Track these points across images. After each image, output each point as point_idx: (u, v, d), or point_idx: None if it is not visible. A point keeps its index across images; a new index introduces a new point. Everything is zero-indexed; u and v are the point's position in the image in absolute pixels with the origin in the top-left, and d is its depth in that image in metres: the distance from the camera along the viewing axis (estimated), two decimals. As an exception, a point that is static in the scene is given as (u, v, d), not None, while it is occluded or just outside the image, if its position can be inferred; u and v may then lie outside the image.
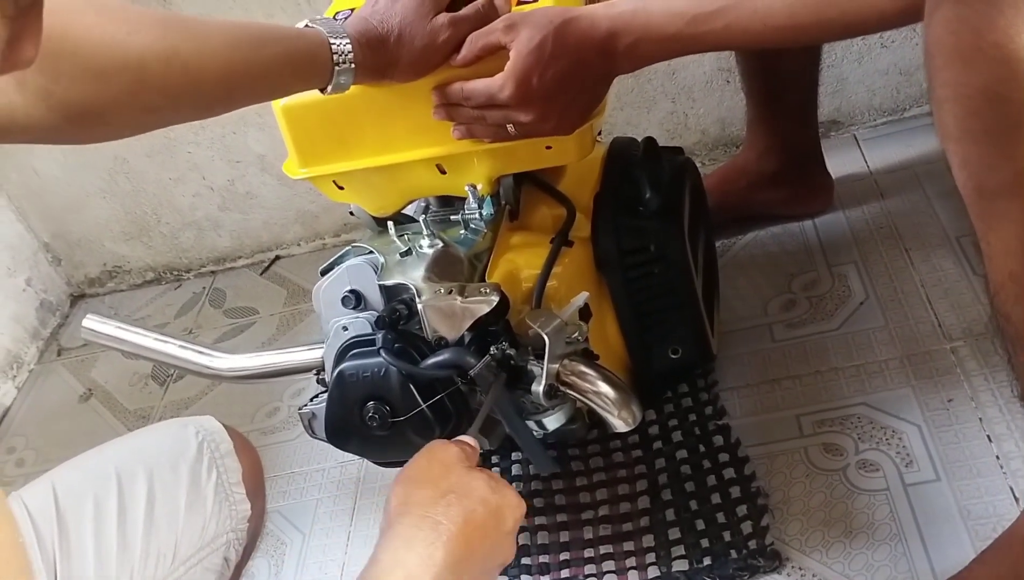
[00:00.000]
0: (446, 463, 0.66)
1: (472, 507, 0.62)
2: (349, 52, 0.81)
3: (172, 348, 0.97)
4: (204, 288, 1.71)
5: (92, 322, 0.98)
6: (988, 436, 1.00)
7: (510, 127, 0.87)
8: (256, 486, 0.85)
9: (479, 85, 0.85)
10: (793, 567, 0.95)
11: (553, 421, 0.88)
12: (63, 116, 0.69)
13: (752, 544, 0.96)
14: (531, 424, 0.88)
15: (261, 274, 1.69)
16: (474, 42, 0.85)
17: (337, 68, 0.82)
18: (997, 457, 0.97)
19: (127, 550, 0.75)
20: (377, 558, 0.60)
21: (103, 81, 0.70)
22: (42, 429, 1.52)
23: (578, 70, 0.84)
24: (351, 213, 1.02)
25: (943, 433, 1.01)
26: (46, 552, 0.73)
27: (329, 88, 0.83)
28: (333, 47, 0.81)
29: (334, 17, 0.96)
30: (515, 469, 1.12)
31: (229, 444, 0.83)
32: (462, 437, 0.72)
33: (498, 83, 0.84)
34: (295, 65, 0.81)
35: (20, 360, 1.64)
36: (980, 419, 1.01)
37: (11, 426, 1.55)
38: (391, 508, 0.63)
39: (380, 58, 0.84)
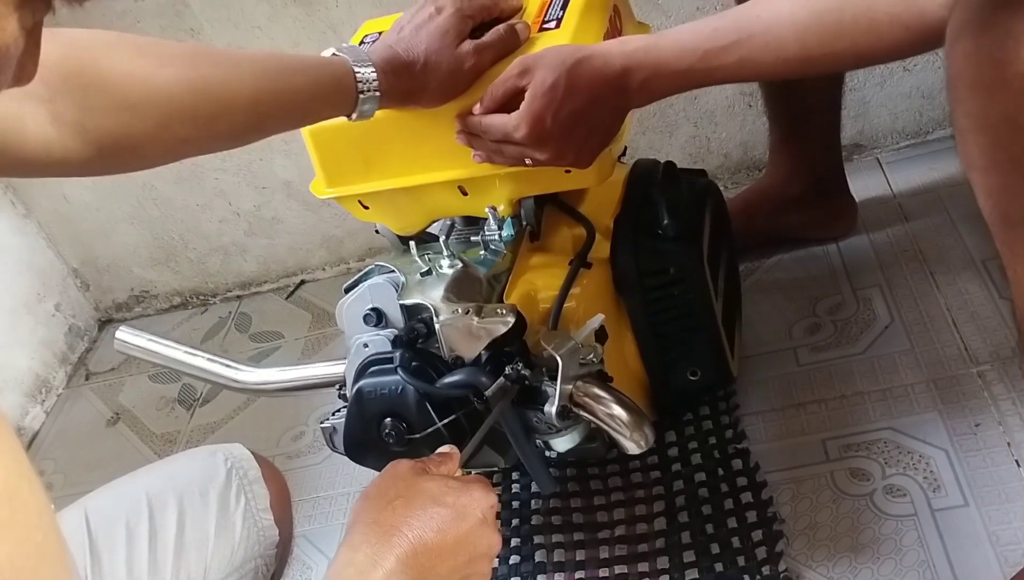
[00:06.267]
0: (396, 476, 0.67)
1: (421, 507, 0.64)
2: (374, 80, 0.83)
3: (200, 361, 1.00)
4: (230, 313, 1.72)
5: (125, 334, 1.01)
6: (1016, 461, 0.98)
7: (527, 161, 0.88)
8: (284, 512, 0.86)
9: (496, 121, 0.86)
10: (819, 593, 0.94)
11: (563, 443, 0.88)
12: (97, 149, 0.71)
13: (766, 570, 0.96)
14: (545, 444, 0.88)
15: (286, 298, 1.70)
16: (493, 91, 0.86)
17: (362, 96, 0.83)
18: (1026, 482, 0.96)
19: (158, 575, 0.76)
20: (329, 566, 0.62)
21: (135, 114, 0.72)
22: (70, 453, 1.53)
23: (592, 107, 0.85)
24: (376, 231, 1.04)
25: (971, 458, 1.00)
26: (78, 576, 0.74)
27: (354, 115, 0.85)
28: (358, 75, 0.82)
29: (361, 42, 0.98)
30: (534, 486, 1.12)
31: (257, 471, 0.84)
32: (441, 448, 0.73)
33: (513, 122, 0.84)
34: (321, 93, 0.82)
35: (49, 384, 1.66)
36: (1008, 443, 1.00)
37: (40, 450, 1.56)
38: (347, 526, 0.65)
39: (405, 85, 0.86)
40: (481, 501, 0.67)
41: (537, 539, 1.06)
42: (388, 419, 0.84)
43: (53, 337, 1.70)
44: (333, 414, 0.94)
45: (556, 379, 0.82)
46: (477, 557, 0.65)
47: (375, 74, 0.83)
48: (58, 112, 0.69)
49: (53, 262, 1.73)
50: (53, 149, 0.69)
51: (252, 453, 0.86)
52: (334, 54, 0.84)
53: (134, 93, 0.71)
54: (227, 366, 0.99)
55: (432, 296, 0.87)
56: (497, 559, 0.71)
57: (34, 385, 1.63)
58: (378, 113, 0.86)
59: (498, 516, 0.72)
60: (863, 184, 1.38)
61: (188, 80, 0.74)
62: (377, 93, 0.83)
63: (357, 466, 0.92)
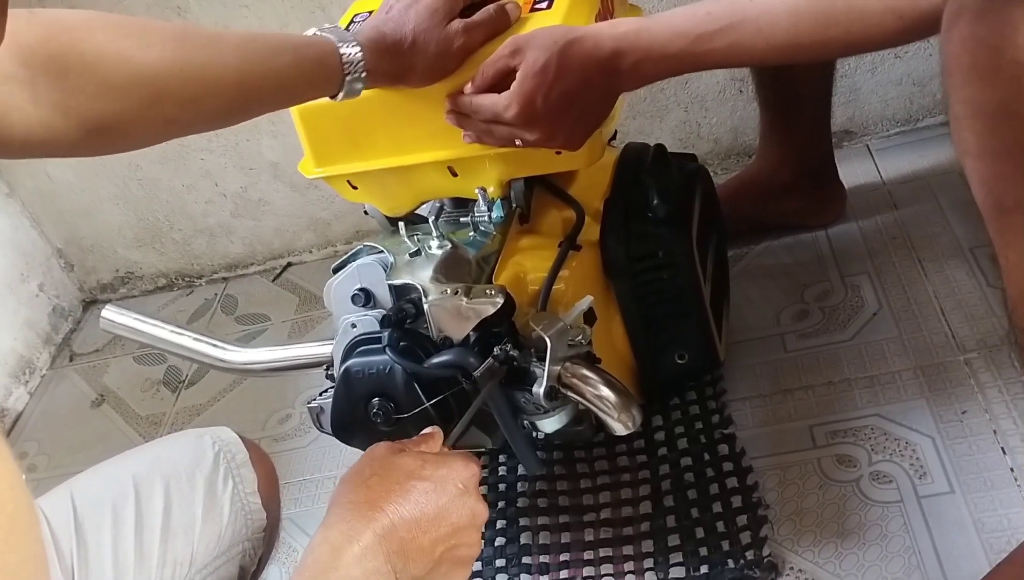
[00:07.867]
0: (372, 457, 0.67)
1: (397, 482, 0.64)
2: (360, 60, 0.82)
3: (187, 340, 0.99)
4: (216, 294, 1.71)
5: (111, 313, 1.00)
6: (1002, 448, 0.98)
7: (517, 141, 0.87)
8: (271, 496, 0.86)
9: (486, 101, 0.85)
10: (806, 579, 0.94)
11: (550, 424, 0.88)
12: (83, 130, 0.70)
13: (750, 555, 0.96)
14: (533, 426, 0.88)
15: (273, 281, 1.69)
16: (484, 71, 0.86)
17: (349, 76, 0.82)
18: (1011, 469, 0.96)
19: (144, 559, 0.75)
20: (308, 544, 0.62)
21: (120, 95, 0.71)
22: (54, 435, 1.52)
23: (582, 90, 0.85)
24: (365, 212, 1.04)
25: (957, 445, 1.00)
26: (64, 560, 0.73)
27: (340, 95, 0.84)
28: (343, 56, 0.82)
29: (352, 20, 0.97)
30: (520, 468, 1.12)
31: (245, 454, 0.84)
32: (424, 430, 0.73)
33: (503, 102, 0.84)
34: (306, 74, 0.82)
35: (32, 365, 1.65)
36: (994, 431, 1.00)
37: (23, 431, 1.55)
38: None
39: (394, 64, 0.85)
40: (461, 471, 0.66)
41: (523, 521, 1.06)
42: (376, 399, 0.84)
43: (37, 317, 1.69)
44: (321, 394, 0.94)
45: (544, 360, 0.81)
46: (462, 527, 0.65)
47: (361, 53, 0.82)
48: (40, 94, 0.68)
49: (37, 242, 1.71)
50: (36, 131, 0.69)
51: (240, 436, 0.86)
52: (316, 33, 0.84)
53: (118, 74, 0.71)
54: (214, 346, 0.99)
55: (421, 276, 0.87)
56: (482, 540, 0.70)
57: (18, 366, 1.62)
58: (368, 93, 0.86)
59: (486, 497, 0.71)
60: (853, 171, 1.39)
61: (173, 61, 0.73)
62: (364, 73, 0.83)
63: (344, 449, 0.92)
